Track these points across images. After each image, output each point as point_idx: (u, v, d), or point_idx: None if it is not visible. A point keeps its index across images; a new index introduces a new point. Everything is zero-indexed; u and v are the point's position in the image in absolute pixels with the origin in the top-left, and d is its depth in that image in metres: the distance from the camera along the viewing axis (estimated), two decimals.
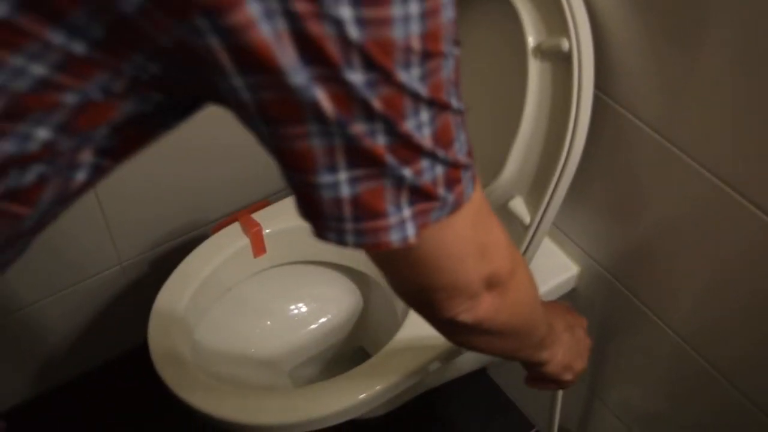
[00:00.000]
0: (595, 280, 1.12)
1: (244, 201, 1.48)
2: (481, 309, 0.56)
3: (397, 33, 0.38)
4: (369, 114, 0.39)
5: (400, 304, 1.20)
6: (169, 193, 1.37)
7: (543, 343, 0.76)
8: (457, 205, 0.47)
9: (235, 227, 1.18)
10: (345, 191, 0.42)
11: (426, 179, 0.44)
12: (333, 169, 0.41)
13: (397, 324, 1.18)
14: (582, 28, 0.87)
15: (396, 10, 0.37)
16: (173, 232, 1.44)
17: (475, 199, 0.49)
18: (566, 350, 0.82)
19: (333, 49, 0.37)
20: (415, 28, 0.38)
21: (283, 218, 1.20)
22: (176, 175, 1.35)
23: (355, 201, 0.43)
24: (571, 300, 1.17)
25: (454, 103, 0.44)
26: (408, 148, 0.42)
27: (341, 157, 0.41)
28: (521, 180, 0.99)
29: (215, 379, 1.03)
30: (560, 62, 0.90)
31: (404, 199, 0.44)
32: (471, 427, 1.52)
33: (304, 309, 1.32)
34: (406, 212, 0.45)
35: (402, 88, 0.40)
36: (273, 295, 1.28)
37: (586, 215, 1.07)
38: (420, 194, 0.44)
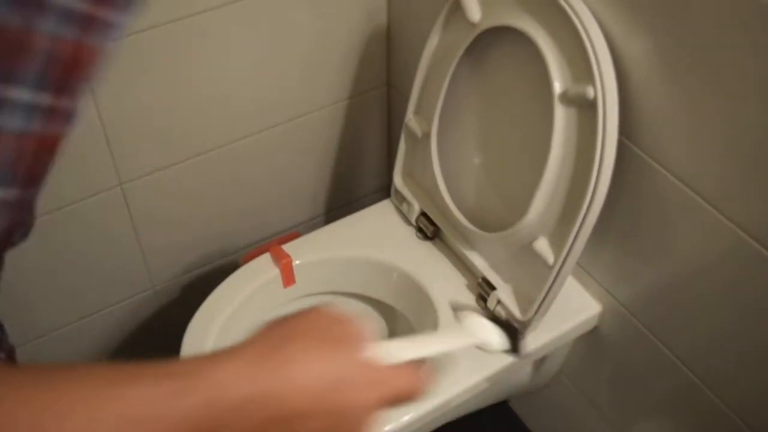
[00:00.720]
0: (617, 320, 1.14)
1: (273, 229, 1.52)
2: None
3: None
4: None
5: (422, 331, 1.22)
6: (201, 220, 1.41)
7: None
8: None
9: (266, 258, 1.22)
10: None
11: None
12: None
13: None
14: (607, 76, 0.89)
15: None
16: (205, 258, 1.48)
17: None
18: None
19: None
20: None
21: (312, 250, 1.23)
22: (209, 204, 1.39)
23: None
24: (592, 339, 1.19)
25: None
26: None
27: None
28: (546, 221, 1.01)
29: None
30: (586, 109, 0.92)
31: None
32: None
33: None
34: None
35: None
36: None
37: (609, 255, 1.09)
38: None
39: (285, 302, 1.25)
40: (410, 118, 1.21)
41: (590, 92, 0.90)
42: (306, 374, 0.47)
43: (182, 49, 1.16)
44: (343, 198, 1.58)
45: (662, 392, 1.13)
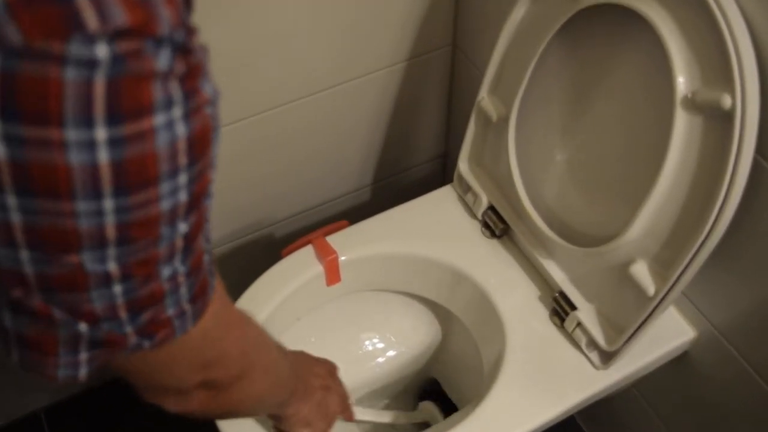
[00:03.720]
0: (710, 346, 0.98)
1: (315, 200, 1.36)
2: (191, 405, 0.56)
3: None
4: None
5: (483, 344, 1.07)
6: (236, 189, 1.25)
7: (287, 402, 0.76)
8: (195, 318, 0.47)
9: (308, 251, 1.06)
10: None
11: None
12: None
13: (478, 361, 1.06)
14: (750, 84, 0.71)
15: None
16: (238, 231, 1.33)
17: (210, 313, 0.48)
18: (313, 408, 0.82)
19: None
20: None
21: (360, 244, 1.07)
22: (245, 173, 1.23)
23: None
24: (677, 361, 1.03)
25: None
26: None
27: None
28: (648, 244, 0.84)
29: None
30: (716, 119, 0.74)
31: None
32: None
33: (377, 339, 1.20)
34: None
35: None
36: (344, 325, 1.16)
37: (713, 278, 0.93)
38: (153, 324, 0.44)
39: (327, 301, 1.10)
40: (484, 98, 1.03)
41: (726, 101, 0.72)
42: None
43: (225, 3, 0.98)
44: (393, 168, 1.41)
45: (746, 421, 1.00)
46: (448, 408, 1.22)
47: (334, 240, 1.07)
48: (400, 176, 1.44)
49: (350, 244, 1.07)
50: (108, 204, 0.35)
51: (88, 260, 0.37)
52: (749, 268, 0.88)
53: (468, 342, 1.11)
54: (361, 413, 1.08)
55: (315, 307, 1.09)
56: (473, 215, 1.10)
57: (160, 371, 0.51)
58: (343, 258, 1.06)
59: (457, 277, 1.06)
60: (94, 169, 0.33)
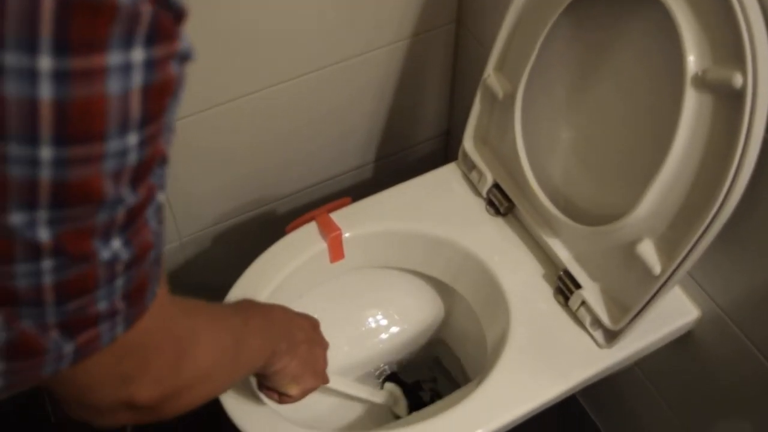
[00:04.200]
0: (714, 326, 0.98)
1: (317, 177, 1.36)
2: (118, 421, 0.50)
3: None
4: None
5: (486, 322, 1.07)
6: (237, 166, 1.24)
7: (269, 363, 0.72)
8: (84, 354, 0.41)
9: (312, 228, 1.06)
10: None
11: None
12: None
13: (481, 339, 1.06)
14: (762, 62, 0.70)
15: None
16: (239, 207, 1.32)
17: (131, 335, 0.43)
18: (300, 362, 0.78)
19: None
20: None
21: (364, 221, 1.07)
22: (247, 149, 1.22)
23: None
24: (680, 341, 1.03)
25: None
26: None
27: None
28: (656, 222, 0.84)
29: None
30: (726, 98, 0.74)
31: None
32: None
33: (380, 316, 1.20)
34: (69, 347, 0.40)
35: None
36: (347, 302, 1.16)
37: (719, 258, 0.93)
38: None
39: (330, 278, 1.09)
40: (490, 75, 1.02)
41: (737, 80, 0.71)
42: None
43: None
44: (396, 145, 1.41)
45: (749, 400, 1.00)
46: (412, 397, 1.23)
47: (338, 216, 1.06)
48: (402, 154, 1.43)
49: (354, 220, 1.06)
50: (45, 153, 0.31)
51: (17, 221, 0.32)
52: (756, 248, 0.88)
53: (471, 320, 1.11)
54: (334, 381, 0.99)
55: (318, 284, 1.09)
56: (478, 193, 1.10)
57: (72, 385, 0.45)
58: (347, 235, 1.05)
59: (460, 255, 1.06)
60: (32, 106, 0.29)
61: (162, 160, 0.38)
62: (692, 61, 0.76)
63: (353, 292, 1.15)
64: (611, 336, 0.94)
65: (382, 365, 1.24)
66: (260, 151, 1.23)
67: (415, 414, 1.08)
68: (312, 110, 1.22)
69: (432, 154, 1.48)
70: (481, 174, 1.08)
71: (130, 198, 0.36)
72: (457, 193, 1.11)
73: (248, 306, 0.76)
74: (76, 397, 0.46)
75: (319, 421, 1.11)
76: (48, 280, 0.35)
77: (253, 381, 0.85)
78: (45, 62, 0.29)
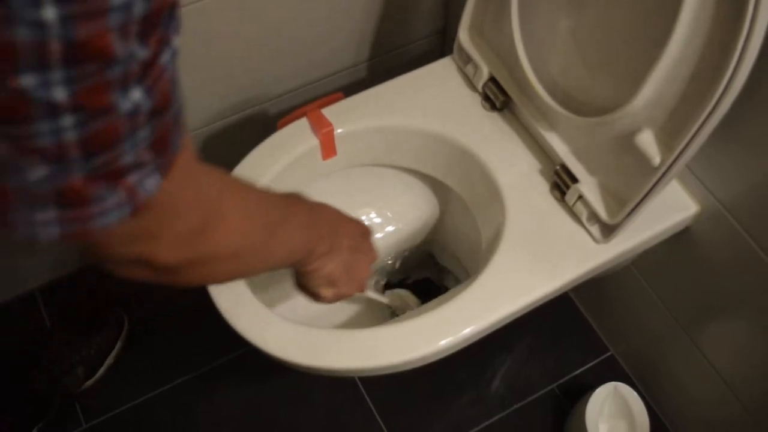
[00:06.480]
0: (713, 221, 0.97)
1: (310, 76, 1.32)
2: (140, 276, 0.52)
3: None
4: None
5: (481, 218, 1.06)
6: (226, 64, 1.20)
7: (306, 260, 0.72)
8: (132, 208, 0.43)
9: (303, 124, 1.03)
10: None
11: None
12: None
13: (476, 237, 1.05)
14: None
15: None
16: (229, 108, 1.29)
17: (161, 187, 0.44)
18: (338, 266, 0.77)
19: None
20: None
21: (357, 117, 1.04)
22: (237, 45, 1.18)
23: None
24: (678, 237, 1.01)
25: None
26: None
27: None
28: (655, 112, 0.81)
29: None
30: None
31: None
32: (546, 346, 1.42)
33: (373, 215, 1.19)
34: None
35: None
36: (340, 200, 1.13)
37: (718, 150, 0.90)
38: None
39: (323, 175, 1.07)
40: None
41: None
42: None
43: None
44: (390, 43, 1.36)
45: (746, 299, 1.00)
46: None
47: (330, 112, 1.03)
48: (397, 52, 1.39)
49: (346, 116, 1.04)
50: (49, 12, 0.31)
51: (29, 83, 0.33)
52: (757, 141, 0.85)
53: (466, 217, 1.09)
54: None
55: (310, 182, 1.06)
56: (473, 88, 1.07)
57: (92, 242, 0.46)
58: (339, 131, 1.02)
59: (455, 151, 1.03)
60: None
61: (171, 8, 0.38)
62: None
63: (346, 190, 1.13)
64: (608, 230, 0.92)
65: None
66: (250, 46, 1.19)
67: (410, 312, 1.08)
68: (294, 7, 1.17)
69: (428, 54, 1.44)
70: (476, 67, 1.04)
71: (141, 52, 0.36)
72: (452, 87, 1.08)
73: (296, 200, 0.73)
74: (92, 247, 0.48)
75: (314, 320, 1.11)
76: (70, 135, 0.36)
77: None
78: None
